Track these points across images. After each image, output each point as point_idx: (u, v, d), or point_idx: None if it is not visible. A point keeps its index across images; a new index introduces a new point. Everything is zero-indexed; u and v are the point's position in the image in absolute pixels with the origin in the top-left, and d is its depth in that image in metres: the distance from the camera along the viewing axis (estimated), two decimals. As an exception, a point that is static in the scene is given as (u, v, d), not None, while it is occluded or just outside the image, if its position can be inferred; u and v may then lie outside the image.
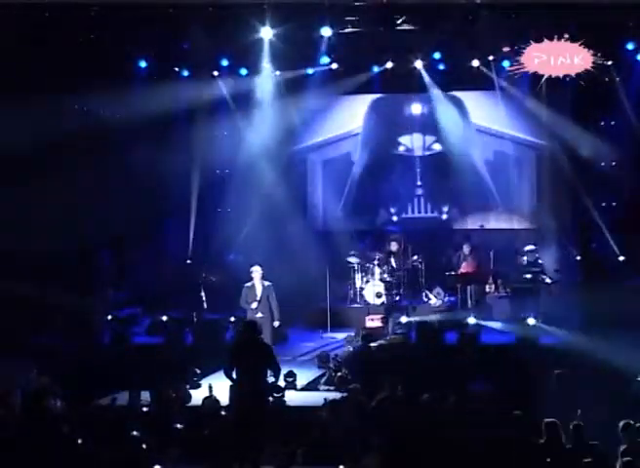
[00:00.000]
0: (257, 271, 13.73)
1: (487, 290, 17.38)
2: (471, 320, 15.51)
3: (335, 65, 17.56)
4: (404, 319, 15.75)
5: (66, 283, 15.26)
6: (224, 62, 17.42)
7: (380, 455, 8.78)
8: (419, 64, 17.55)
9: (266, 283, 13.71)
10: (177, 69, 17.43)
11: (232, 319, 15.65)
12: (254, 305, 13.58)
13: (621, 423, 9.07)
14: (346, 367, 13.18)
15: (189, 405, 12.18)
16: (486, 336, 14.95)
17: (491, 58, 17.19)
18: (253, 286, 13.73)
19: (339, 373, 13.00)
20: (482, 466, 8.71)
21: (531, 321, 15.23)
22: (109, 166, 16.44)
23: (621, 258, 17.38)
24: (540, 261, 16.33)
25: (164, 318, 16.36)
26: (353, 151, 19.75)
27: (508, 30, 16.11)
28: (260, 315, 13.31)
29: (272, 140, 18.16)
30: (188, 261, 17.92)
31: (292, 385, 12.86)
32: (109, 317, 16.04)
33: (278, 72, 17.76)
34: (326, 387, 12.95)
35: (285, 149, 18.62)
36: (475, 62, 17.26)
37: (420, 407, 10.23)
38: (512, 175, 19.17)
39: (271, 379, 10.73)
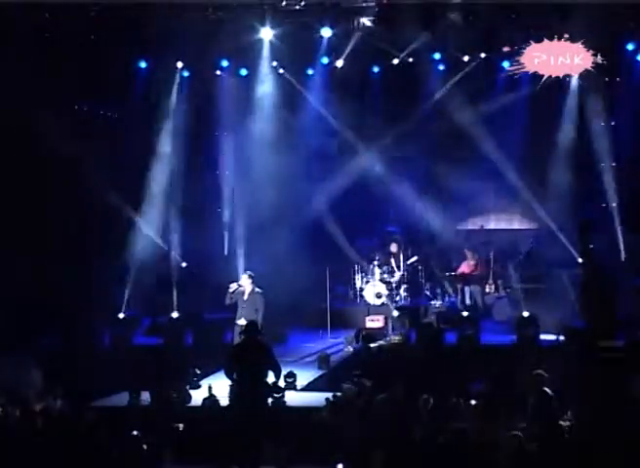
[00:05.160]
0: (245, 279, 13.48)
1: (487, 290, 17.39)
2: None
3: (334, 66, 17.53)
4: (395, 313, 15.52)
5: (67, 284, 15.26)
6: (224, 63, 17.42)
7: (383, 454, 8.80)
8: (418, 65, 17.53)
9: (257, 289, 13.38)
10: (177, 69, 17.42)
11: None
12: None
13: None
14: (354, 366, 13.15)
15: (189, 405, 12.19)
16: (486, 336, 14.96)
17: (491, 58, 17.16)
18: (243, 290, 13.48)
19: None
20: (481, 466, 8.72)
21: (530, 321, 15.21)
22: (108, 165, 16.42)
23: (622, 259, 17.35)
24: (539, 262, 16.31)
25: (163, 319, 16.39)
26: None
27: (508, 30, 16.10)
28: (244, 322, 12.50)
29: (272, 141, 18.12)
30: (184, 264, 17.82)
31: (292, 386, 12.86)
32: (109, 318, 16.03)
33: (278, 72, 17.75)
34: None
35: (285, 149, 18.57)
36: (475, 63, 17.24)
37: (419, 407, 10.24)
38: (512, 175, 19.13)
39: (271, 379, 10.73)
